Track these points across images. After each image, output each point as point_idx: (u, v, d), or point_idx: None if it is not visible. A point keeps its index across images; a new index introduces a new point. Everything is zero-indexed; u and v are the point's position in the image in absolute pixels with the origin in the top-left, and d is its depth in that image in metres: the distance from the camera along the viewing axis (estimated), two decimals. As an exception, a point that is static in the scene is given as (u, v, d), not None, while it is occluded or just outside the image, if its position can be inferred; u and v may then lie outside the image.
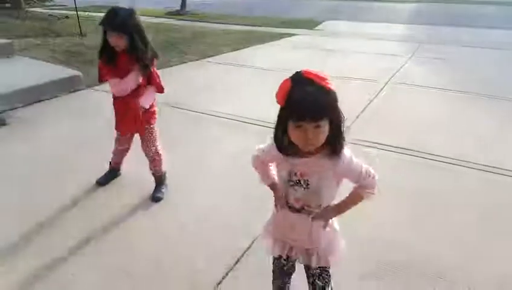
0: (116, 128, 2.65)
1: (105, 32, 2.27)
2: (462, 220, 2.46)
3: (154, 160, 2.65)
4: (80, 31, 8.16)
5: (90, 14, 11.42)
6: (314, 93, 1.15)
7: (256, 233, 2.11)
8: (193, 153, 3.33)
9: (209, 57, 7.11)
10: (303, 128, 1.16)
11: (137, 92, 2.44)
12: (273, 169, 1.48)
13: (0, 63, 5.35)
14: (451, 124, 4.09)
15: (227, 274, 1.97)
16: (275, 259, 1.61)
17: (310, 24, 11.66)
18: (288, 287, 1.67)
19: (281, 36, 9.45)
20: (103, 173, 2.84)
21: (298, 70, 1.19)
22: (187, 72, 6.11)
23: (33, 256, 2.09)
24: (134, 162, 2.84)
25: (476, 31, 10.36)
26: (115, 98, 2.51)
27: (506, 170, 3.08)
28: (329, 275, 1.50)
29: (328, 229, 1.43)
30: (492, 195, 2.77)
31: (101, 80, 2.48)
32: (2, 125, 3.85)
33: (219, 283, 1.92)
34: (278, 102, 1.20)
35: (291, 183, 1.34)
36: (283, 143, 1.27)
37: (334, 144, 1.25)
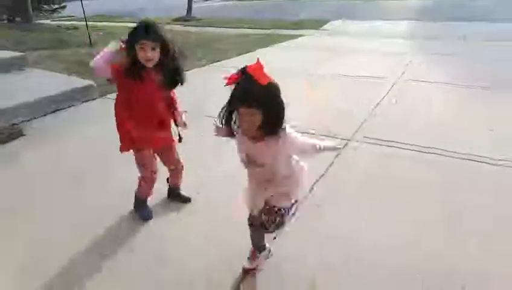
0: None
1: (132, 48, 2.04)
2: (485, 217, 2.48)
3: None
4: (90, 40, 8.30)
5: (96, 23, 11.60)
6: (250, 87, 1.42)
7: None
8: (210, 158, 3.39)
9: (216, 61, 7.18)
10: (240, 113, 1.49)
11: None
12: None
13: (15, 76, 5.48)
14: (463, 119, 4.09)
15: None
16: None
17: (317, 24, 11.68)
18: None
19: (288, 38, 9.49)
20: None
21: (244, 66, 1.45)
22: (193, 79, 6.17)
23: (70, 261, 2.17)
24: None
25: (487, 25, 10.27)
26: None
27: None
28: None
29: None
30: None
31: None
32: (21, 136, 3.96)
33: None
34: (228, 85, 1.49)
35: (248, 163, 1.66)
36: (230, 122, 1.58)
37: (267, 130, 1.51)
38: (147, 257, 2.19)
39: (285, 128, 1.53)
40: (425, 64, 6.53)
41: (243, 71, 1.45)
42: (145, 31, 2.03)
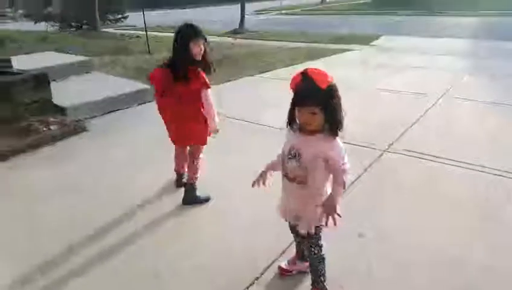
0: None
1: (186, 46, 2.54)
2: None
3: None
4: (148, 49, 8.93)
5: (156, 34, 12.39)
6: (311, 88, 1.56)
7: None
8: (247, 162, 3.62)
9: (265, 72, 7.46)
10: (301, 112, 1.63)
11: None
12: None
13: (81, 78, 6.09)
14: (504, 138, 4.04)
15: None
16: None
17: (366, 40, 11.67)
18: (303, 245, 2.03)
19: (335, 52, 9.60)
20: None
21: (306, 68, 1.61)
22: (244, 87, 6.48)
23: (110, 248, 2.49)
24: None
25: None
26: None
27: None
28: (315, 239, 1.86)
29: (319, 200, 1.73)
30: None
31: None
32: (84, 131, 4.44)
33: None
34: (291, 88, 1.65)
35: (289, 156, 1.74)
36: (292, 120, 1.71)
37: (328, 129, 1.65)
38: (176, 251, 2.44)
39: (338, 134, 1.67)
40: (475, 83, 6.39)
41: (303, 74, 1.61)
42: (196, 31, 2.57)
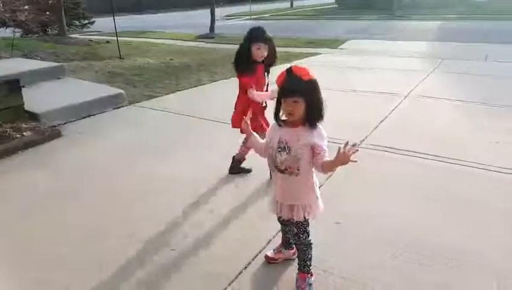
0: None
1: (248, 47, 2.95)
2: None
3: None
4: (120, 54, 8.88)
5: (127, 39, 12.28)
6: (293, 81, 1.76)
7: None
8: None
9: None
10: (286, 102, 1.79)
11: None
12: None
13: (54, 83, 6.01)
14: (470, 131, 4.34)
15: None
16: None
17: (335, 43, 12.02)
18: (290, 233, 2.19)
19: (307, 55, 9.85)
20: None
21: (290, 66, 1.80)
22: (217, 89, 6.57)
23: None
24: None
25: (501, 47, 10.42)
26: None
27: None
28: (303, 227, 2.00)
29: (308, 189, 1.93)
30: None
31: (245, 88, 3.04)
32: (59, 137, 4.40)
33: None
34: (277, 85, 1.83)
35: (279, 149, 1.88)
36: (278, 114, 1.88)
37: (309, 119, 1.81)
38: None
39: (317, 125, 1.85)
40: (438, 82, 6.75)
41: (288, 70, 1.79)
42: (261, 34, 2.97)
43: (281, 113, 1.89)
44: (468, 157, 3.60)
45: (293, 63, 9.36)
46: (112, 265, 2.29)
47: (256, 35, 2.96)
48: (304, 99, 1.76)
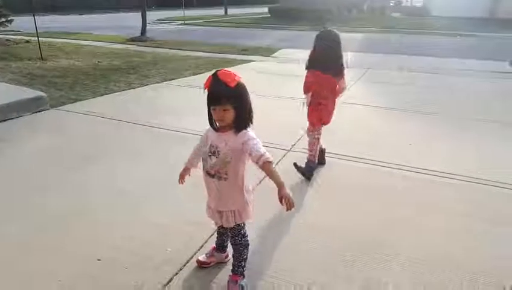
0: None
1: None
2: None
3: None
4: (41, 55, 8.28)
5: (48, 39, 11.49)
6: (221, 88, 1.72)
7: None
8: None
9: (170, 80, 7.44)
10: (215, 110, 1.78)
11: None
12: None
13: (-38, 85, 5.43)
14: (388, 134, 4.66)
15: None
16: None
17: (268, 51, 12.29)
18: (225, 236, 2.21)
19: (240, 62, 9.95)
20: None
21: (216, 70, 1.76)
22: (148, 93, 6.39)
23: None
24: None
25: (418, 59, 11.34)
26: None
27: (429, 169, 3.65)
28: (237, 230, 2.01)
29: (236, 195, 1.92)
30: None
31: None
32: (-31, 142, 3.98)
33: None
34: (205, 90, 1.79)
35: (209, 154, 1.88)
36: (212, 119, 1.86)
37: (237, 124, 1.81)
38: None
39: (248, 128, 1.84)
40: (362, 90, 7.18)
41: (214, 76, 1.75)
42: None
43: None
44: (383, 158, 3.88)
45: (228, 69, 9.47)
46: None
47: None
48: (232, 106, 1.77)
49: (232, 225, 1.97)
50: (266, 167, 1.75)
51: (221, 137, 1.86)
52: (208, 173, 1.93)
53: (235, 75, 1.77)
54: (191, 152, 2.12)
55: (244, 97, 1.82)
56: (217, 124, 1.86)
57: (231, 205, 1.94)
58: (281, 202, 1.70)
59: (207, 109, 1.85)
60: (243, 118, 1.82)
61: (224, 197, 1.93)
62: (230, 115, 1.78)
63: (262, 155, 1.76)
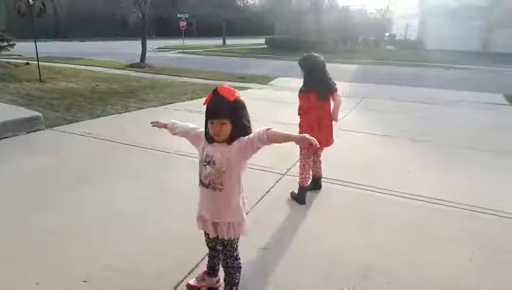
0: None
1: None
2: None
3: None
4: (40, 77, 8.34)
5: (48, 64, 11.62)
6: (219, 102, 1.75)
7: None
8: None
9: (167, 104, 7.49)
10: (213, 124, 1.78)
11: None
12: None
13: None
14: (384, 161, 4.67)
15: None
16: (205, 233, 2.05)
17: (265, 80, 12.48)
18: (217, 259, 2.14)
19: (238, 89, 9.98)
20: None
21: (216, 87, 1.80)
22: (145, 116, 6.41)
23: None
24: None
25: (412, 89, 11.55)
26: None
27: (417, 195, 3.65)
28: (230, 252, 1.96)
29: (231, 207, 1.88)
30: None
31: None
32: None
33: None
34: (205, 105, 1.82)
35: (204, 163, 1.87)
36: (208, 133, 1.85)
37: (233, 136, 1.80)
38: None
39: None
40: (358, 118, 7.26)
41: (214, 91, 1.80)
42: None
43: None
44: (378, 183, 3.87)
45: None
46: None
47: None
48: (230, 120, 1.77)
49: (226, 237, 1.92)
50: (271, 134, 1.75)
51: (216, 148, 1.85)
52: (202, 183, 1.91)
53: (235, 91, 1.81)
54: (184, 124, 2.09)
55: (242, 112, 1.82)
56: (214, 137, 1.84)
57: (227, 217, 1.90)
58: (306, 146, 1.77)
59: (204, 123, 1.86)
60: (240, 133, 1.81)
61: (220, 208, 1.90)
62: (227, 129, 1.78)
63: (259, 132, 1.76)
